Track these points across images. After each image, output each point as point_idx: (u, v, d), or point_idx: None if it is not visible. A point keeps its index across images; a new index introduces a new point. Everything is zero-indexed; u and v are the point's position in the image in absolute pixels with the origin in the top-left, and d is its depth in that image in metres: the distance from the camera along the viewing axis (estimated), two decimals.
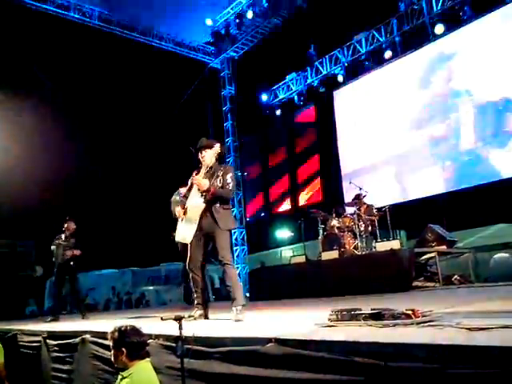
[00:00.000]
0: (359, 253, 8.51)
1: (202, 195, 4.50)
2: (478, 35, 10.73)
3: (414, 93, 11.97)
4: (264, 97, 15.83)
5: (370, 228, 8.87)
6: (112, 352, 3.07)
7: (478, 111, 10.61)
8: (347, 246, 8.72)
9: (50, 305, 17.83)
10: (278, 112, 15.58)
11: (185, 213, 4.63)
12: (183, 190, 8.63)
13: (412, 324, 2.52)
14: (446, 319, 2.64)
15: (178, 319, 2.92)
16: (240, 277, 14.07)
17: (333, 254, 8.55)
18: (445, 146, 11.19)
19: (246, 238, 16.04)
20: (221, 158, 4.97)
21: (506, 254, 8.54)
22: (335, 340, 2.40)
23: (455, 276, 7.89)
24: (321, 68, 14.15)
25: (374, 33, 12.67)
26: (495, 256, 8.55)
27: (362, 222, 8.82)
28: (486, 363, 1.79)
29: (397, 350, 2.06)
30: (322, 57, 14.12)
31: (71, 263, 7.85)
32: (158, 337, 3.50)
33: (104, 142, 15.61)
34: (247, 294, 9.80)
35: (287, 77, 15.16)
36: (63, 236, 7.99)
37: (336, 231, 9.06)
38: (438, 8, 11.23)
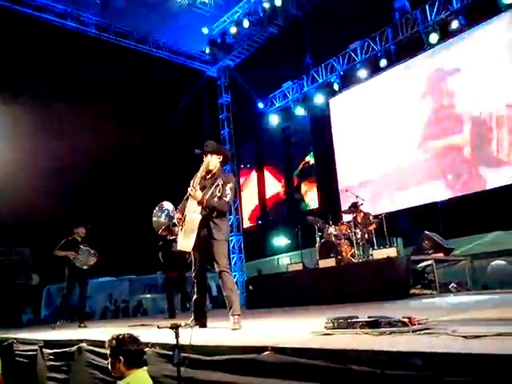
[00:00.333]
0: (356, 260, 8.51)
1: (198, 204, 4.51)
2: (472, 45, 10.82)
3: (409, 101, 12.04)
4: (260, 105, 15.88)
5: (366, 236, 8.88)
6: (109, 360, 3.06)
7: (474, 120, 10.67)
8: (344, 254, 8.72)
9: (47, 313, 17.77)
10: (275, 119, 15.62)
11: (183, 222, 4.62)
12: (168, 206, 8.63)
13: (408, 332, 2.53)
14: (442, 327, 2.66)
15: (175, 328, 2.91)
16: (237, 285, 14.03)
17: (330, 262, 8.54)
18: (442, 154, 11.23)
19: (242, 245, 16.02)
20: (225, 162, 4.98)
21: (503, 262, 8.57)
22: (332, 348, 2.40)
23: (452, 283, 7.89)
24: (316, 76, 14.23)
25: (369, 42, 12.76)
26: (492, 263, 8.58)
27: (358, 230, 8.83)
28: (482, 371, 1.80)
29: (393, 358, 2.07)
30: (317, 65, 14.20)
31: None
32: (154, 345, 3.50)
33: (102, 149, 15.60)
34: (243, 303, 9.79)
35: (283, 85, 15.24)
36: (79, 240, 7.83)
37: (333, 239, 9.06)
38: (433, 18, 11.33)
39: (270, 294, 8.97)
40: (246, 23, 13.92)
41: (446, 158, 11.14)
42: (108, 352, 3.07)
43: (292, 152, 15.97)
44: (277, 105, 15.59)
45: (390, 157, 12.30)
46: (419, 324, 2.65)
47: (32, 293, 14.61)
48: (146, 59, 15.02)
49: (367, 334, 2.66)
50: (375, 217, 9.11)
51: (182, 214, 4.64)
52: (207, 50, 15.79)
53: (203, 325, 4.74)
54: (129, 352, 2.99)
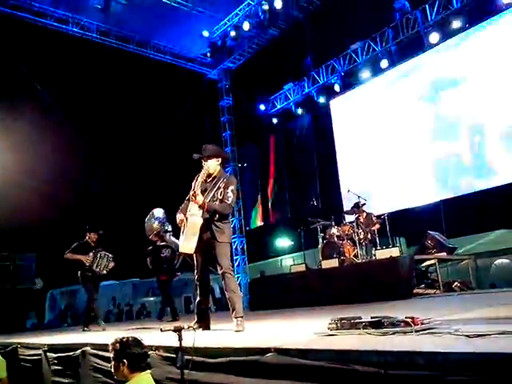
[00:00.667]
0: (359, 261, 8.51)
1: (199, 208, 4.51)
2: (473, 44, 10.81)
3: (410, 101, 12.03)
4: (262, 107, 15.89)
5: (369, 236, 8.87)
6: (113, 363, 3.06)
7: (474, 120, 10.66)
8: (347, 254, 8.72)
9: (51, 317, 17.82)
10: (276, 121, 15.64)
11: (185, 224, 4.63)
12: (159, 213, 8.66)
13: (411, 332, 2.53)
14: (445, 326, 2.65)
15: (178, 330, 2.92)
16: (240, 286, 14.03)
17: (332, 263, 8.54)
18: (443, 153, 11.21)
19: (245, 247, 16.01)
20: (224, 165, 4.99)
21: (507, 260, 8.55)
22: (335, 349, 2.40)
23: (456, 283, 7.89)
24: (317, 78, 14.23)
25: (370, 42, 12.76)
26: (496, 262, 8.57)
27: (361, 230, 8.82)
28: (485, 370, 1.79)
29: (396, 358, 2.07)
30: (318, 66, 14.21)
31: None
32: (158, 348, 3.50)
33: (103, 154, 15.65)
34: (246, 304, 9.79)
35: (284, 86, 15.26)
36: (92, 244, 7.67)
37: (335, 239, 9.07)
38: (433, 18, 11.33)
39: (272, 295, 8.97)
40: (246, 26, 13.92)
41: (447, 157, 11.12)
42: (112, 355, 3.06)
43: (293, 153, 15.95)
44: (278, 106, 15.59)
45: (391, 156, 12.28)
46: (422, 324, 2.65)
47: (35, 297, 14.64)
48: (147, 63, 15.04)
49: (370, 334, 2.65)
50: (378, 217, 9.10)
51: (185, 215, 4.65)
52: (208, 53, 15.81)
53: (206, 327, 4.75)
54: (132, 355, 2.99)
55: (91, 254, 7.51)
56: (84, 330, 7.46)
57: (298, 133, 15.60)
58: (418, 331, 2.53)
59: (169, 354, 3.36)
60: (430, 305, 5.76)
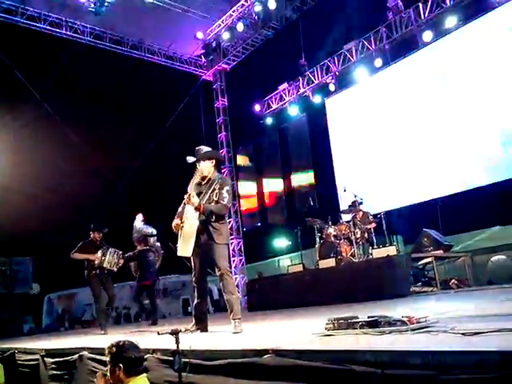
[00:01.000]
0: (356, 260, 8.52)
1: (196, 210, 4.51)
2: (467, 41, 10.85)
3: (405, 99, 12.06)
4: (257, 107, 15.89)
5: (366, 235, 8.89)
6: (108, 367, 3.04)
7: (471, 118, 10.69)
8: (344, 254, 8.74)
9: (48, 322, 17.75)
10: (271, 122, 15.65)
11: (182, 227, 4.62)
12: (136, 223, 8.61)
13: (407, 331, 2.53)
14: (441, 325, 2.66)
15: (175, 333, 2.91)
16: (238, 287, 14.03)
17: (330, 262, 8.56)
18: (439, 151, 11.24)
19: (243, 248, 16.01)
20: (218, 166, 4.99)
21: (504, 257, 8.54)
22: (332, 349, 2.40)
23: (453, 280, 7.91)
24: (312, 77, 14.25)
25: (364, 41, 12.79)
26: (492, 258, 8.55)
27: (358, 230, 8.84)
28: (482, 368, 1.79)
29: (393, 358, 2.07)
30: (313, 66, 14.22)
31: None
32: (155, 351, 3.49)
33: (99, 157, 15.59)
34: (245, 305, 9.79)
35: (279, 87, 15.26)
36: (98, 243, 7.42)
37: (332, 239, 9.08)
38: (426, 15, 11.36)
39: (270, 295, 8.98)
40: (240, 27, 13.93)
41: (442, 155, 11.14)
42: (108, 359, 3.05)
43: (289, 153, 15.97)
44: (273, 107, 15.60)
45: (387, 155, 12.31)
46: (418, 322, 2.65)
47: (33, 302, 14.58)
48: (141, 65, 15.03)
49: (367, 334, 2.66)
50: (374, 216, 9.12)
51: (181, 220, 4.64)
52: (202, 55, 15.82)
53: (204, 329, 4.75)
54: (129, 359, 2.97)
55: (100, 251, 7.28)
56: (103, 333, 6.99)
57: (294, 133, 15.63)
58: (415, 330, 2.54)
59: (166, 357, 3.35)
60: (427, 303, 5.77)
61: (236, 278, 14.73)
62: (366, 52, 12.76)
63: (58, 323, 16.95)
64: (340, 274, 8.14)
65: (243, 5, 13.93)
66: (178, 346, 2.89)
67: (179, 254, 4.70)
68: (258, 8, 13.25)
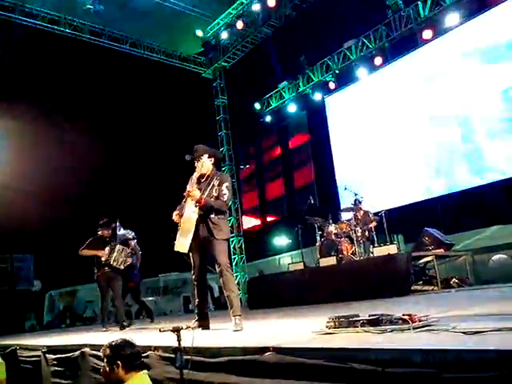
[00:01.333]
0: (357, 258, 8.52)
1: (196, 205, 4.51)
2: (466, 39, 10.83)
3: (405, 97, 12.04)
4: (257, 105, 15.87)
5: (366, 233, 8.89)
6: (107, 368, 3.03)
7: (470, 117, 10.68)
8: (345, 252, 8.73)
9: (50, 318, 17.80)
10: (271, 120, 15.64)
11: (181, 222, 4.62)
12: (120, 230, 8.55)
13: (409, 329, 2.54)
14: (442, 323, 2.66)
15: (176, 330, 2.92)
16: (239, 285, 14.05)
17: (330, 261, 8.55)
18: (440, 150, 11.24)
19: (243, 246, 16.01)
20: (217, 164, 4.99)
21: (505, 256, 8.55)
22: (333, 347, 2.41)
23: (454, 279, 7.90)
24: (312, 76, 14.23)
25: (364, 40, 12.78)
26: (493, 257, 8.56)
27: (358, 228, 8.84)
28: (482, 367, 1.80)
29: (394, 356, 2.07)
30: (313, 64, 14.20)
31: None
32: (157, 348, 3.50)
33: (100, 155, 15.60)
34: (245, 303, 9.80)
35: (279, 85, 15.25)
36: (107, 239, 7.32)
37: (333, 237, 9.08)
38: (426, 14, 11.34)
39: (271, 293, 8.98)
40: (239, 25, 13.91)
41: (443, 153, 11.14)
42: (105, 360, 3.06)
43: (289, 151, 15.97)
44: (273, 105, 15.59)
45: (387, 153, 12.31)
46: (420, 321, 2.66)
47: (34, 299, 14.62)
48: (141, 63, 15.01)
49: (368, 332, 2.66)
50: (375, 214, 9.12)
51: (181, 216, 4.65)
52: (202, 53, 15.81)
53: (206, 327, 4.75)
54: (126, 356, 2.99)
55: (107, 248, 7.17)
56: (123, 328, 6.98)
57: (294, 131, 15.62)
58: (416, 328, 2.54)
59: (168, 354, 3.36)
60: (427, 301, 5.77)
61: (237, 276, 14.74)
62: (366, 50, 12.76)
63: (59, 320, 16.99)
64: (341, 273, 8.14)
65: (242, 3, 13.91)
66: (179, 344, 2.90)
67: (176, 249, 4.67)
68: (259, 6, 13.25)
